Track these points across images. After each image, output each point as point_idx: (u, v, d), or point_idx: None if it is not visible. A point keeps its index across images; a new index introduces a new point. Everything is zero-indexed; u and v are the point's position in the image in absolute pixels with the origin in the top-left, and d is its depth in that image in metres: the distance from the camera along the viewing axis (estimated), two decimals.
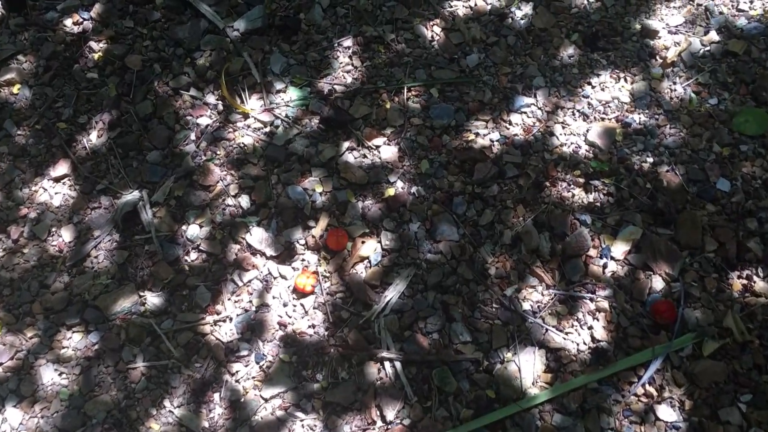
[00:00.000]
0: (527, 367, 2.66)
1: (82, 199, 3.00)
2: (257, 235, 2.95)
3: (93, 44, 3.27)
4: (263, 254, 2.92)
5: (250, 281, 2.87)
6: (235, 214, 3.04)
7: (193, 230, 2.95)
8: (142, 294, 2.76)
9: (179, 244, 2.87)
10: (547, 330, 2.85)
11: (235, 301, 2.83)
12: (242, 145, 3.16)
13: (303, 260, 2.88)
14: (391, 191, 3.05)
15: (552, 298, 2.94)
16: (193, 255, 2.93)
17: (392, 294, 2.76)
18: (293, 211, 2.95)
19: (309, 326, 2.74)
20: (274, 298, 2.83)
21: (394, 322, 2.72)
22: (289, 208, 2.97)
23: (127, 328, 2.59)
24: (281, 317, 2.79)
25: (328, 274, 2.86)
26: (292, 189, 3.03)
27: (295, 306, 2.80)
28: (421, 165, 3.10)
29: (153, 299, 2.75)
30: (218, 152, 3.17)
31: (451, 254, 2.85)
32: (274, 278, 2.87)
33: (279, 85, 3.30)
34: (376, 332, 2.67)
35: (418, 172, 3.04)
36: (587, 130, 3.31)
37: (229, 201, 3.28)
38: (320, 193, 2.97)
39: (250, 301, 2.84)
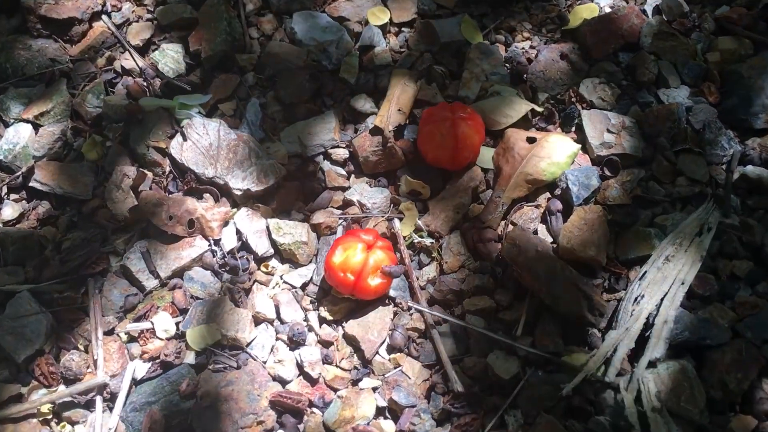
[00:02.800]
0: None
1: None
2: (200, 138, 1.19)
3: None
4: (222, 188, 1.27)
5: (176, 275, 1.39)
6: (138, 89, 1.29)
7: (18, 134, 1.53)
8: None
9: None
10: None
11: (135, 336, 1.27)
12: None
13: (344, 207, 1.45)
14: None
15: None
16: (8, 209, 1.46)
17: (659, 290, 0.97)
18: (305, 75, 1.53)
19: (392, 411, 1.05)
20: (267, 325, 1.29)
21: (680, 384, 1.02)
22: (297, 71, 1.51)
23: None
24: (289, 380, 1.05)
25: (429, 242, 1.06)
26: (302, 21, 1.55)
27: (332, 345, 1.22)
28: None
29: None
30: None
31: None
32: (263, 260, 1.25)
33: None
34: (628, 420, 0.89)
35: None
36: None
37: (124, 61, 1.55)
38: (382, 29, 1.61)
39: (175, 351, 1.25)
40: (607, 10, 1.55)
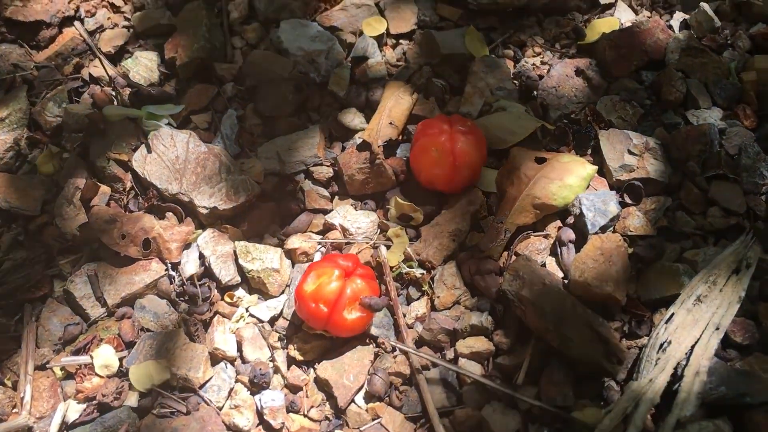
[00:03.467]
0: None
1: None
2: (166, 151, 1.05)
3: None
4: (187, 206, 1.24)
5: (126, 303, 1.23)
6: (104, 98, 1.22)
7: None
8: None
9: None
10: None
11: None
12: None
13: (325, 231, 1.28)
14: None
15: None
16: None
17: (690, 335, 0.83)
18: (289, 87, 1.40)
19: None
20: (226, 364, 1.17)
21: None
22: (281, 83, 1.44)
23: None
24: (246, 429, 0.81)
25: (420, 274, 0.90)
26: (289, 30, 1.48)
27: (300, 391, 1.10)
28: None
29: None
30: None
31: None
32: (228, 289, 1.13)
33: None
34: None
35: None
36: None
37: (93, 69, 1.42)
38: (378, 40, 1.47)
39: (116, 391, 1.14)
40: (628, 24, 1.40)
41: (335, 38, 1.40)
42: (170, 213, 1.23)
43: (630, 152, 1.19)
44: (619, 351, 0.99)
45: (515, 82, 1.34)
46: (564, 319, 0.99)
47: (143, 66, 1.41)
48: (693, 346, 1.00)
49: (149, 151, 1.26)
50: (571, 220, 1.16)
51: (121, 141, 1.30)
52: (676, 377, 0.98)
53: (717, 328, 1.02)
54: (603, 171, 1.21)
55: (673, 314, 1.04)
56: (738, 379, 0.98)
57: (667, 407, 0.96)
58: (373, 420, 1.04)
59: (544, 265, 1.14)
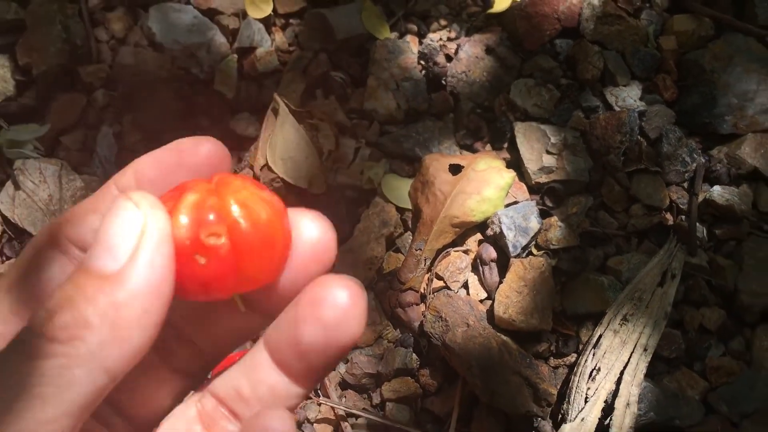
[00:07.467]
0: None
1: None
2: (36, 189, 0.99)
3: None
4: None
5: None
6: None
7: None
8: None
9: None
10: None
11: None
12: None
13: None
14: None
15: None
16: None
17: (618, 360, 0.80)
18: (169, 92, 1.27)
19: None
20: None
21: None
22: (159, 86, 1.33)
23: None
24: None
25: None
26: (161, 19, 1.39)
27: None
28: None
29: None
30: None
31: None
32: None
33: None
34: None
35: None
36: None
37: None
38: (265, 23, 1.36)
39: None
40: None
41: (215, 27, 1.21)
42: None
43: (548, 152, 1.10)
44: (547, 395, 0.94)
45: (422, 63, 1.19)
46: (491, 371, 0.93)
47: None
48: (622, 372, 0.97)
49: (17, 188, 1.09)
50: (490, 233, 1.07)
51: None
52: (607, 408, 0.96)
53: (645, 350, 0.98)
54: (521, 171, 1.12)
55: (600, 336, 1.00)
56: (667, 403, 0.96)
57: None
58: None
59: (466, 284, 1.06)
